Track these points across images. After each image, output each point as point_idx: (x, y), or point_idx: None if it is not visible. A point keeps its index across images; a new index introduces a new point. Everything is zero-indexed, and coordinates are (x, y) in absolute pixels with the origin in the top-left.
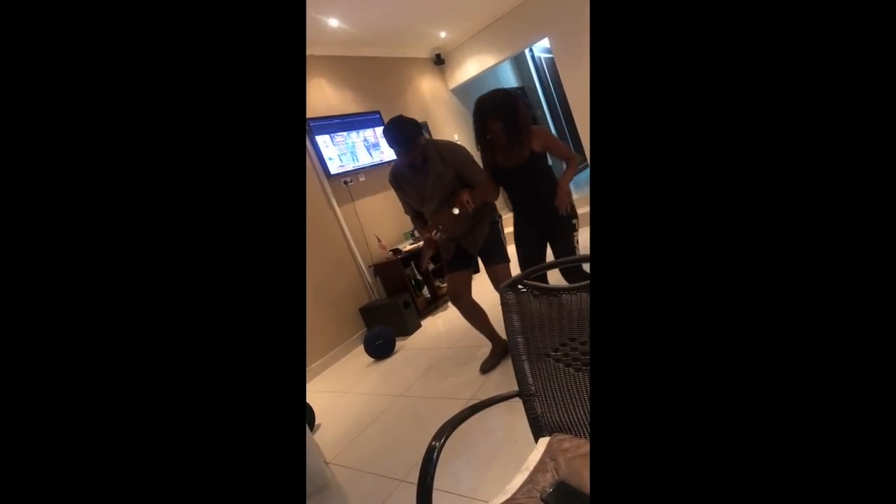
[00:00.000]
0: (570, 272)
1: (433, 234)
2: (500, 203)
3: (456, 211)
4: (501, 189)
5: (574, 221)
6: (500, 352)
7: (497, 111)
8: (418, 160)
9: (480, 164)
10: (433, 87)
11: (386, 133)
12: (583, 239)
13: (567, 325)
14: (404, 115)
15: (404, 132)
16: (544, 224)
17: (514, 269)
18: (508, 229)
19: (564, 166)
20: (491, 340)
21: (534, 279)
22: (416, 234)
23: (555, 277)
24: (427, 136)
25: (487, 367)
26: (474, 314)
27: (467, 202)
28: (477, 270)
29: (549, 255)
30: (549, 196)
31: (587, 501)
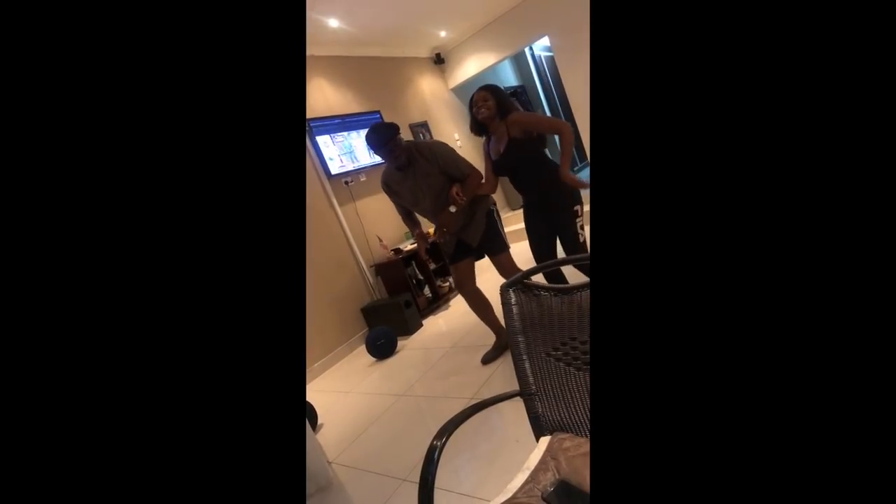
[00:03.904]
0: (587, 267)
1: (439, 239)
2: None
3: (452, 209)
4: (504, 180)
5: (576, 208)
6: (502, 344)
7: (484, 88)
8: (402, 160)
9: (483, 169)
10: (433, 86)
11: (366, 141)
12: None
13: (568, 325)
14: (383, 120)
15: (379, 135)
16: (548, 215)
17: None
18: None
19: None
20: (495, 332)
21: (547, 274)
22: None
23: (570, 272)
24: (424, 135)
25: (488, 359)
26: (479, 303)
27: (458, 195)
28: (481, 256)
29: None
30: (547, 185)
31: (588, 500)
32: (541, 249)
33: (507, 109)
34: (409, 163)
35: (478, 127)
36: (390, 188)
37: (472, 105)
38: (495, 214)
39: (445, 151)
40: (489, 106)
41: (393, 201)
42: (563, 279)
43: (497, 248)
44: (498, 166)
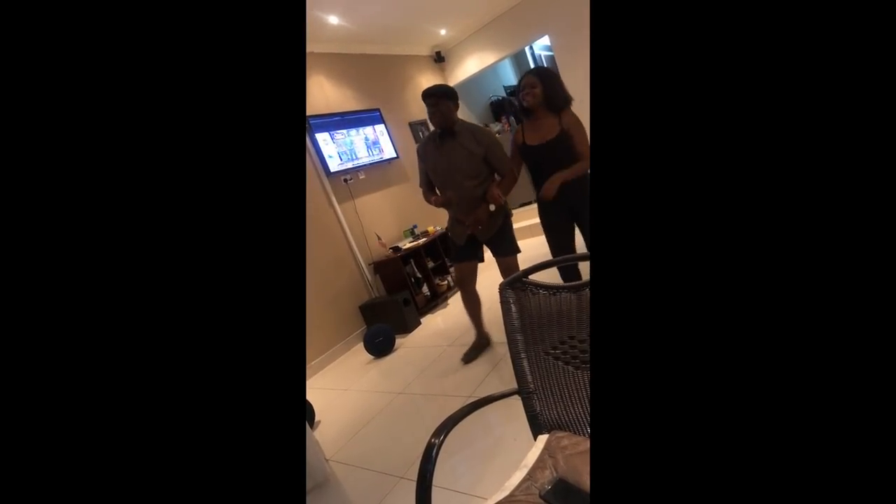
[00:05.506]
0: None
1: (472, 230)
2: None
3: (492, 207)
4: (524, 175)
5: None
6: (482, 343)
7: (541, 72)
8: (435, 119)
9: (508, 147)
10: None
11: (429, 88)
12: None
13: (566, 323)
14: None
15: (442, 89)
16: (571, 207)
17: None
18: (530, 221)
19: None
20: (477, 330)
21: (563, 269)
22: (455, 211)
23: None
24: (425, 134)
25: (469, 358)
26: (473, 303)
27: (497, 195)
28: (482, 260)
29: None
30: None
31: (586, 499)
32: (560, 243)
33: (557, 100)
34: (452, 134)
35: (523, 111)
36: (425, 152)
37: (520, 89)
38: (510, 220)
39: (496, 143)
40: (535, 94)
41: (420, 169)
42: (578, 275)
43: (508, 250)
44: (532, 151)
